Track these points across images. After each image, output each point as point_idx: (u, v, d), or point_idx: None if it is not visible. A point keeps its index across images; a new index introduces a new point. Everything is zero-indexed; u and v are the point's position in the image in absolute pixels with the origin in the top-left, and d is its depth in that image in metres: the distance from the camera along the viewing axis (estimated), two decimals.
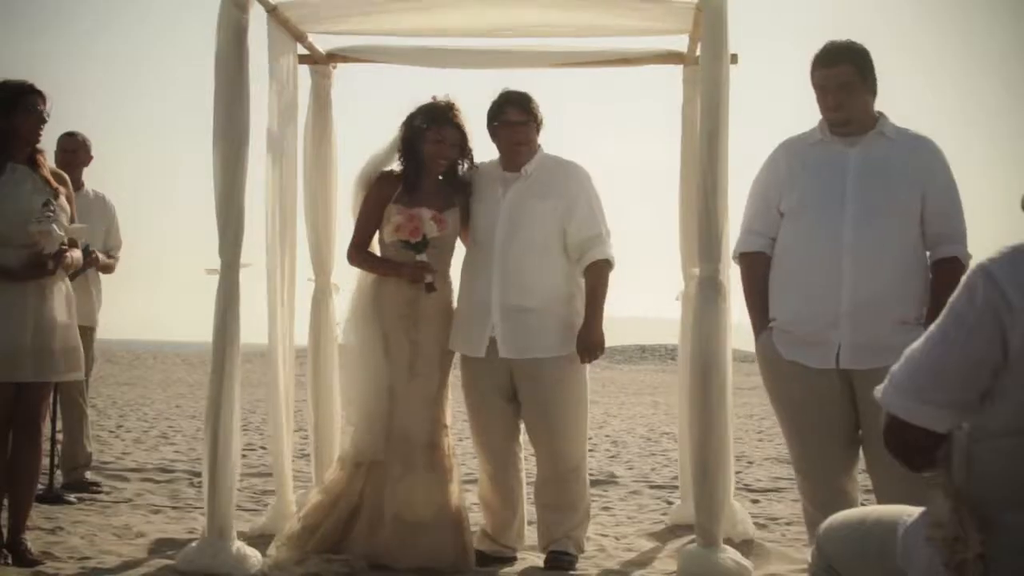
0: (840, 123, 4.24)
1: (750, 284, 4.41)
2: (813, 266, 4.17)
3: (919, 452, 2.25)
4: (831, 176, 4.22)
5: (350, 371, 5.16)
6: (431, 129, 4.94)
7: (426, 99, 5.03)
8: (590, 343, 4.95)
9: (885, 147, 4.24)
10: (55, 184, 4.86)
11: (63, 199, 4.86)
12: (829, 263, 4.14)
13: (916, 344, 2.22)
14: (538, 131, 5.08)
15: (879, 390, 2.27)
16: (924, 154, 4.27)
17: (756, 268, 4.37)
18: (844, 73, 4.19)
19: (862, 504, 4.18)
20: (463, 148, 5.02)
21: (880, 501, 3.88)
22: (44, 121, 4.85)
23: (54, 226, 4.68)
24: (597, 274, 4.99)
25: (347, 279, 5.25)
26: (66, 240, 4.79)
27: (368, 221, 5.05)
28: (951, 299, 2.19)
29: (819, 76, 4.22)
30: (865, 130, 4.25)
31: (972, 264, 2.21)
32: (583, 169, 5.13)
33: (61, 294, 4.83)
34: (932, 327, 2.21)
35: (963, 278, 2.19)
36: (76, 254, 4.94)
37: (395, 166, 5.07)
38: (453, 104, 4.99)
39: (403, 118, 5.04)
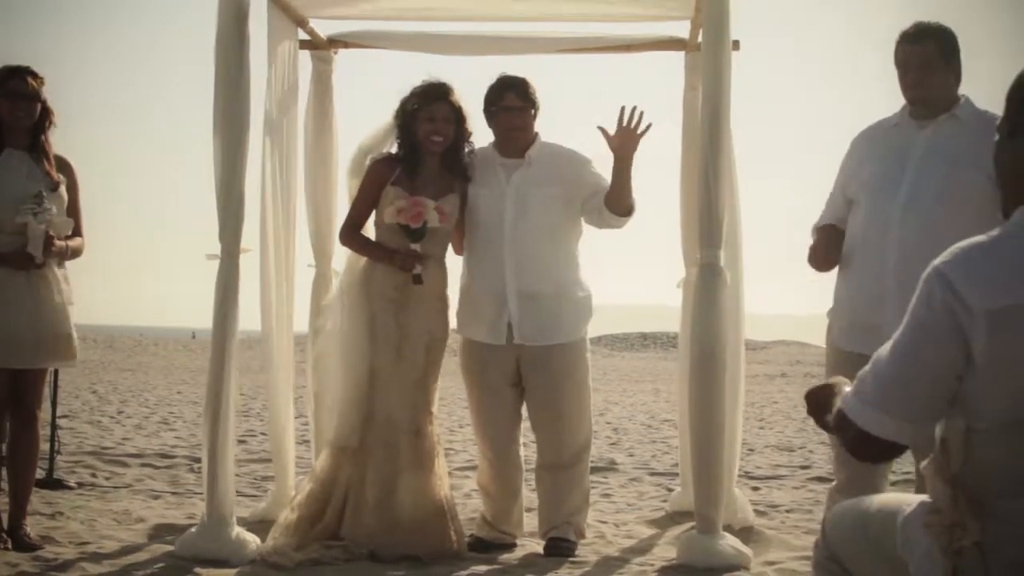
0: (917, 101, 4.16)
1: (819, 239, 4.32)
2: (863, 251, 4.14)
3: (879, 458, 2.24)
4: (894, 161, 4.14)
5: (334, 353, 5.07)
6: (422, 109, 4.91)
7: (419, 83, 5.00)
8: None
9: (954, 130, 4.12)
10: (54, 174, 4.82)
11: (62, 189, 4.82)
12: (876, 248, 4.08)
13: (883, 351, 2.18)
14: (535, 117, 5.06)
15: (843, 397, 2.23)
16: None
17: (827, 231, 4.31)
18: (927, 51, 4.11)
19: None
20: (459, 127, 4.95)
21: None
22: (31, 101, 4.77)
23: (31, 218, 4.62)
24: None
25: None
26: (55, 233, 4.71)
27: (364, 202, 5.00)
28: (911, 305, 2.12)
29: (902, 52, 4.16)
30: (940, 112, 4.15)
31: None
32: (583, 155, 5.13)
33: (55, 280, 4.80)
34: (897, 333, 2.16)
35: (920, 282, 2.11)
36: (74, 243, 4.88)
37: (392, 148, 5.04)
38: (445, 83, 4.95)
39: (398, 104, 5.01)
